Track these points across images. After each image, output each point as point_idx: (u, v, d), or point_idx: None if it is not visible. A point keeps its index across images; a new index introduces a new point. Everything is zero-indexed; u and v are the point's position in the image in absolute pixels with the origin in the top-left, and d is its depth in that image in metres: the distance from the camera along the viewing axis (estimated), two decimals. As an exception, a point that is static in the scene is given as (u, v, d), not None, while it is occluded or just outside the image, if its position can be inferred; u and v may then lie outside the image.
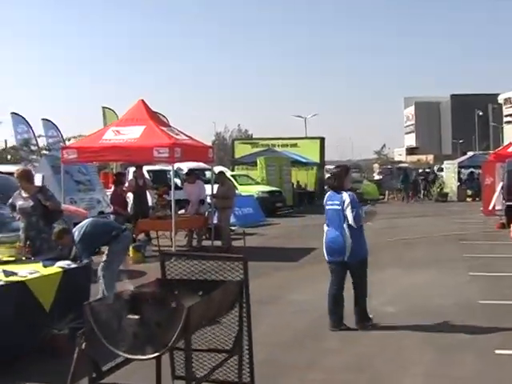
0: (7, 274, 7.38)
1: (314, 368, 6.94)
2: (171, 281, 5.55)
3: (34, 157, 24.53)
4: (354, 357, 7.32)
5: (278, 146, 35.23)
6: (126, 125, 15.61)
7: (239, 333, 5.39)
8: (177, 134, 16.07)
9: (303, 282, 11.78)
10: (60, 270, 7.95)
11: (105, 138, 15.24)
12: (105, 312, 4.52)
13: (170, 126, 17.42)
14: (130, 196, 20.82)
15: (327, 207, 8.49)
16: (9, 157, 26.82)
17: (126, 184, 17.50)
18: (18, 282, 7.23)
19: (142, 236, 16.37)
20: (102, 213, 17.48)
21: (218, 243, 16.11)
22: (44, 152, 25.35)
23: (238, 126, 74.25)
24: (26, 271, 7.63)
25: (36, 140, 27.30)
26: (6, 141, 28.66)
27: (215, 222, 17.40)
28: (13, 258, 8.68)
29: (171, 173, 16.75)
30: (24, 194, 9.75)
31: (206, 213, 17.17)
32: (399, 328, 8.34)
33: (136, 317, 4.41)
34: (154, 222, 16.52)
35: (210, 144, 21.00)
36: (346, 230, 8.17)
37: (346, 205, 8.17)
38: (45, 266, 8.06)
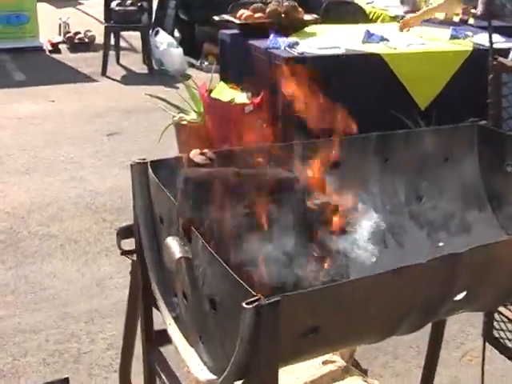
0: (372, 38, 4.60)
1: None
2: None
3: None
4: None
5: None
6: None
7: None
8: None
9: None
10: (469, 49, 4.76)
11: None
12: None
13: None
14: None
15: None
16: None
17: None
18: (372, 55, 4.43)
19: None
20: None
21: None
22: None
23: None
24: (407, 40, 4.71)
25: None
26: None
27: None
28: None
29: None
30: None
31: None
32: None
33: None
34: None
35: None
36: None
37: None
38: (453, 38, 4.95)
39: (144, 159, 1.70)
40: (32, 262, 3.53)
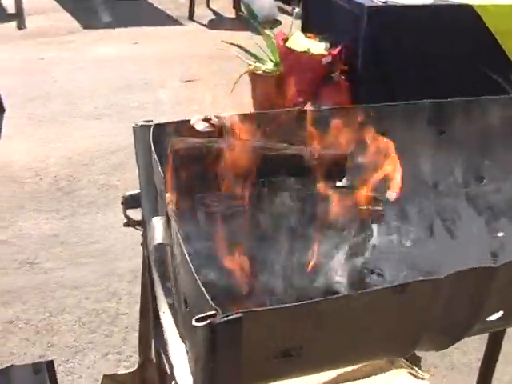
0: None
1: None
2: None
3: None
4: None
5: None
6: None
7: None
8: None
9: None
10: None
11: None
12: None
13: None
14: None
15: None
16: None
17: None
18: (463, 6, 3.99)
19: None
20: None
21: None
22: None
23: None
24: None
25: None
26: None
27: None
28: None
29: None
30: None
31: None
32: None
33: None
34: None
35: None
36: None
37: None
38: None
39: (149, 121, 1.50)
40: (87, 213, 3.43)
